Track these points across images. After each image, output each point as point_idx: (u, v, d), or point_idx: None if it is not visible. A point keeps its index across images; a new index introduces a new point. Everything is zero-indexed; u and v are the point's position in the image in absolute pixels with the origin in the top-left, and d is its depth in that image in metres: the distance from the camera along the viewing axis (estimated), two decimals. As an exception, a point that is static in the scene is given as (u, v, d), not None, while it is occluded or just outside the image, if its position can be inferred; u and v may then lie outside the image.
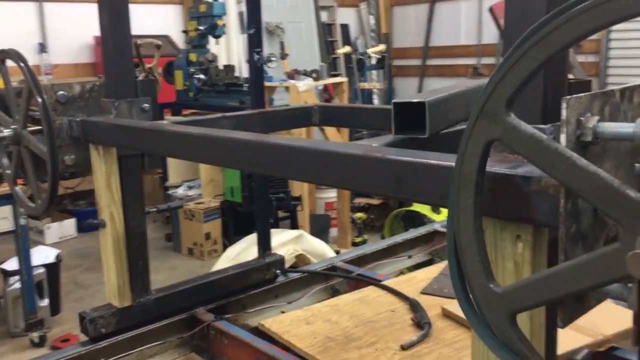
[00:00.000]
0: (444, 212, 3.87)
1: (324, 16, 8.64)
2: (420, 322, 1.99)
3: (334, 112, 2.07)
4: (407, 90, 9.04)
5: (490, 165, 0.86)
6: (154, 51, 2.85)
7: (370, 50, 5.93)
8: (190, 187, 5.42)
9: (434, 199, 1.00)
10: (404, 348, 1.85)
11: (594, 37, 7.73)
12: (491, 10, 6.48)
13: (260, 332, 2.12)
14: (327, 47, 8.44)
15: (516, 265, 0.91)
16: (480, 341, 0.95)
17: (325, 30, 8.51)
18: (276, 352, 1.92)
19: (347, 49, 5.98)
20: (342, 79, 4.89)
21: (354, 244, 4.61)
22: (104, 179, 1.93)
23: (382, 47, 6.09)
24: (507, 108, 0.78)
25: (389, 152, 1.05)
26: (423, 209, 3.84)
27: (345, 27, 8.99)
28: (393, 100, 1.22)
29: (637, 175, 0.75)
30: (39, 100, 1.85)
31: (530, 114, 0.88)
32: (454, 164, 0.91)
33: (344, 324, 2.04)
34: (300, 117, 2.04)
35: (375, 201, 5.30)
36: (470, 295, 0.86)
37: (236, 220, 3.89)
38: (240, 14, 7.48)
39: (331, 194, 4.83)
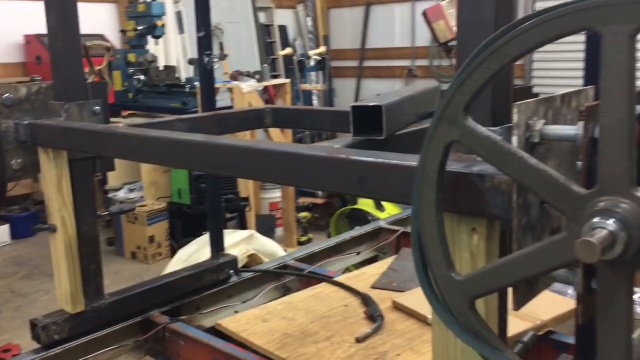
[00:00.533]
0: (389, 210, 3.99)
1: (262, 17, 8.67)
2: (373, 315, 2.07)
3: (285, 114, 2.12)
4: (346, 92, 9.18)
5: (448, 165, 0.94)
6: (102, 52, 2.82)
7: (311, 52, 6.02)
8: (131, 190, 5.34)
9: (395, 197, 1.08)
10: (359, 341, 1.92)
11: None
12: (424, 14, 6.65)
13: (216, 332, 2.15)
14: (267, 49, 8.47)
15: (472, 255, 1.00)
16: (441, 326, 1.04)
17: (264, 31, 8.54)
18: (235, 351, 1.96)
19: (289, 50, 6.04)
20: (285, 80, 4.95)
21: (300, 243, 4.68)
22: (55, 183, 1.92)
23: (323, 49, 6.19)
24: (465, 113, 0.86)
25: (352, 153, 1.11)
26: (368, 207, 3.94)
27: (283, 29, 9.04)
28: (352, 105, 1.29)
29: (578, 172, 0.84)
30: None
31: (483, 118, 0.97)
32: (413, 163, 0.99)
33: (300, 320, 2.09)
34: (253, 119, 2.08)
35: (319, 200, 5.39)
36: (434, 284, 0.94)
37: (184, 223, 3.88)
38: (178, 14, 7.40)
39: (276, 195, 4.88)
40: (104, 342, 2.08)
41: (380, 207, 3.83)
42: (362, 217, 4.05)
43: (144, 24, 5.15)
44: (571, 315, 2.03)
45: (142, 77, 4.93)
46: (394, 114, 1.33)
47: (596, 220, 0.73)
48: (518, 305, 0.91)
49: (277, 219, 4.69)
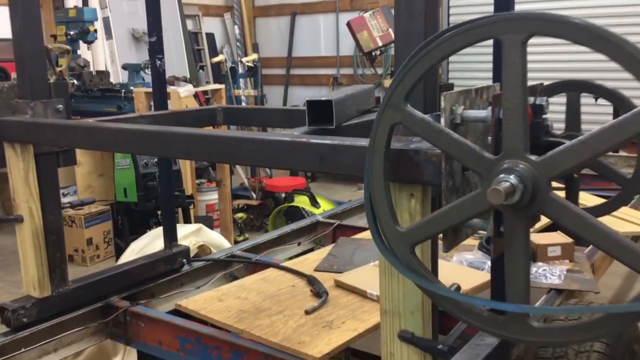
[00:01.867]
0: (323, 206, 4.26)
1: (190, 25, 8.77)
2: (319, 292, 2.31)
3: (234, 113, 2.34)
4: (274, 98, 9.44)
5: (392, 144, 1.20)
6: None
7: (244, 59, 6.22)
8: (64, 195, 5.34)
9: (348, 170, 1.33)
10: (307, 313, 2.16)
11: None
12: (349, 25, 7.02)
13: (174, 315, 2.33)
14: (195, 56, 8.58)
15: (410, 215, 1.26)
16: (387, 273, 1.30)
17: (192, 38, 8.65)
18: (196, 327, 2.15)
19: (221, 57, 6.22)
20: (220, 86, 5.13)
21: (237, 242, 4.85)
22: (22, 175, 2.05)
23: (255, 56, 6.40)
24: (405, 101, 1.13)
25: (312, 138, 1.36)
26: (304, 204, 4.20)
27: (211, 36, 9.18)
28: (307, 99, 1.54)
29: (488, 144, 1.12)
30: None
31: (417, 105, 1.24)
32: (362, 144, 1.25)
33: (252, 299, 2.31)
34: (207, 117, 2.28)
35: (253, 202, 5.59)
36: (382, 236, 1.20)
37: (130, 220, 3.97)
38: (106, 19, 7.41)
39: (212, 196, 5.03)
40: (68, 326, 2.22)
41: (315, 204, 4.09)
42: (298, 214, 4.30)
43: (75, 29, 5.19)
44: (487, 286, 2.35)
45: (75, 82, 4.98)
46: (341, 107, 1.59)
47: (501, 176, 1.01)
48: (447, 248, 1.18)
49: (214, 220, 4.86)
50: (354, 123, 1.65)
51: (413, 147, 1.21)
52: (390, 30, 6.89)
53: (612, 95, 1.46)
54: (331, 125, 1.53)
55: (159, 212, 4.03)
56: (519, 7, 2.49)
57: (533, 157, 1.01)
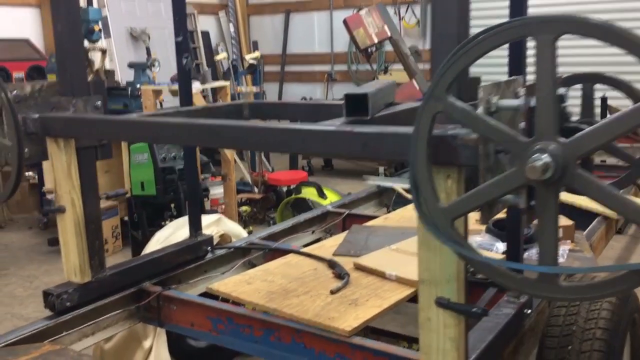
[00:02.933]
0: (330, 197, 4.41)
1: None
2: (341, 273, 2.47)
3: (260, 108, 2.48)
4: (269, 95, 9.57)
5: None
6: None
7: (248, 57, 6.35)
8: (70, 192, 5.44)
9: (389, 156, 1.49)
10: (333, 292, 2.32)
11: (429, 47, 8.80)
12: (345, 22, 7.17)
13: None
14: (191, 53, 8.69)
15: (447, 194, 1.42)
16: (425, 247, 1.46)
17: (187, 36, 8.75)
18: (228, 307, 2.30)
19: (224, 55, 6.34)
20: (225, 83, 5.25)
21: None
22: (65, 168, 2.18)
23: (258, 53, 6.53)
24: (447, 92, 1.28)
25: (355, 127, 1.52)
26: (311, 196, 4.35)
27: (206, 34, 9.30)
28: (345, 93, 1.69)
29: (521, 130, 1.28)
30: (3, 96, 2.06)
31: (457, 96, 1.39)
32: (400, 131, 1.40)
33: (278, 281, 2.46)
34: (234, 111, 2.43)
35: (256, 196, 5.73)
36: (426, 211, 1.36)
37: (147, 213, 4.09)
38: (104, 19, 7.50)
39: (217, 191, 5.17)
40: (105, 310, 2.35)
41: (322, 195, 4.24)
42: (306, 205, 4.45)
43: (80, 28, 5.27)
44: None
45: (82, 80, 5.05)
46: (374, 100, 1.75)
47: (536, 155, 1.17)
48: (484, 222, 1.35)
49: (219, 214, 4.99)
50: (384, 114, 1.80)
51: (451, 133, 1.37)
52: (386, 27, 7.06)
53: (621, 86, 1.63)
54: (367, 116, 1.68)
55: (172, 205, 4.17)
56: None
57: (562, 139, 1.17)
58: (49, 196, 5.46)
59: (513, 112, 1.33)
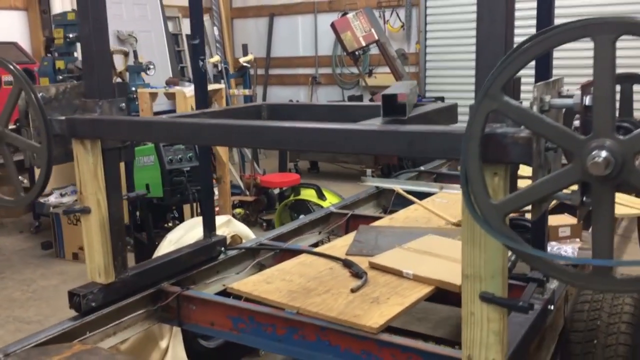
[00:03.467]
0: (329, 199, 4.44)
1: (170, 26, 8.83)
2: (358, 272, 2.50)
3: (278, 109, 2.50)
4: (254, 97, 9.57)
5: (480, 129, 1.40)
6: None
7: (242, 60, 6.34)
8: (62, 195, 5.38)
9: (433, 154, 1.53)
10: (353, 291, 2.34)
11: (414, 51, 8.93)
12: (333, 26, 7.23)
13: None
14: (176, 56, 8.65)
15: (494, 191, 1.46)
16: (469, 244, 1.50)
17: (173, 40, 8.71)
18: (250, 306, 2.31)
19: (217, 58, 6.33)
20: (221, 85, 5.25)
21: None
22: (91, 169, 2.17)
23: (251, 56, 6.53)
24: (502, 91, 1.33)
25: (399, 127, 1.55)
26: (310, 197, 4.36)
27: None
28: (382, 93, 1.73)
29: (574, 127, 1.33)
30: (34, 98, 2.05)
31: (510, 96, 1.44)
32: (446, 130, 1.44)
33: (297, 281, 2.48)
34: (254, 113, 2.45)
35: (249, 198, 5.73)
36: (476, 207, 1.40)
37: (152, 215, 4.06)
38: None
39: (211, 193, 5.16)
40: (126, 311, 2.35)
41: (321, 197, 4.27)
42: (305, 207, 4.46)
43: (73, 31, 5.23)
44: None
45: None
46: (409, 101, 1.78)
47: (595, 152, 1.22)
48: (535, 216, 1.39)
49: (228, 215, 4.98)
50: (417, 114, 1.84)
51: (500, 131, 1.41)
52: (373, 30, 7.14)
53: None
54: (404, 117, 1.72)
55: (173, 207, 4.15)
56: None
57: (620, 137, 1.22)
58: (42, 199, 5.39)
59: (558, 110, 1.38)
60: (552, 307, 2.11)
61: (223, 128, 1.74)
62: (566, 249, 2.74)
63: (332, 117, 2.36)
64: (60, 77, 5.21)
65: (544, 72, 1.91)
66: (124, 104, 2.24)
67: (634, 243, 2.75)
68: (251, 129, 1.70)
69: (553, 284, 2.20)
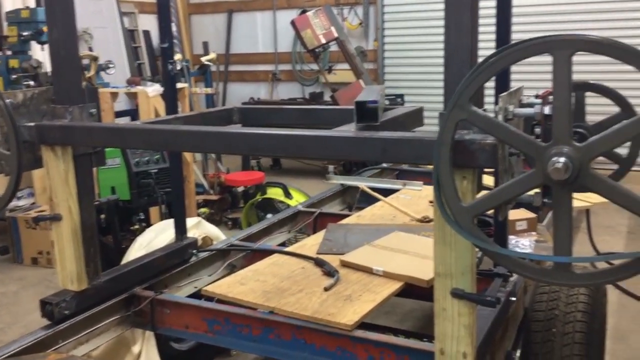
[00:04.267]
0: (296, 197, 4.50)
1: (126, 22, 8.71)
2: (330, 271, 2.58)
3: (249, 113, 2.55)
4: (217, 96, 9.54)
5: (450, 136, 1.48)
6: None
7: (203, 58, 6.32)
8: (18, 198, 5.29)
9: (408, 160, 1.61)
10: (326, 289, 2.42)
11: (372, 48, 9.04)
12: (293, 23, 7.27)
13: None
14: (132, 53, 8.54)
15: (463, 194, 1.55)
16: (441, 243, 1.59)
17: (129, 36, 8.60)
18: (225, 308, 2.36)
19: (179, 56, 6.29)
20: (184, 84, 5.23)
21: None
22: (62, 176, 2.18)
23: (213, 55, 6.51)
24: (470, 102, 1.41)
25: (373, 133, 1.63)
26: (277, 196, 4.41)
27: (147, 34, 9.15)
28: (355, 100, 1.80)
29: (536, 135, 1.43)
30: (2, 105, 2.04)
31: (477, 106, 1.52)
32: (418, 137, 1.52)
33: (270, 281, 2.54)
34: (225, 117, 2.48)
35: (213, 197, 5.74)
36: (447, 210, 1.48)
37: (119, 217, 4.03)
38: (44, 19, 7.26)
39: (175, 193, 5.15)
40: (99, 317, 2.36)
41: (288, 196, 4.32)
42: (272, 206, 4.51)
43: (28, 29, 5.12)
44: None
45: (32, 83, 4.93)
46: (380, 106, 1.86)
47: (554, 158, 1.32)
48: (502, 217, 1.49)
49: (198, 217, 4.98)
50: (388, 119, 1.92)
51: (468, 138, 1.50)
52: (332, 28, 7.22)
53: (610, 94, 1.82)
54: (377, 122, 1.79)
55: (140, 210, 4.14)
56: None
57: (576, 143, 1.32)
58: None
59: (516, 119, 1.48)
60: (513, 299, 2.23)
61: (199, 135, 1.78)
62: (524, 242, 2.88)
63: (303, 120, 2.42)
64: (14, 77, 5.09)
65: (503, 81, 2.01)
66: (94, 110, 2.24)
67: (583, 232, 2.94)
68: (228, 136, 1.75)
69: (513, 277, 2.33)
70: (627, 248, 4.84)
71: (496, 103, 1.55)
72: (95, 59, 2.84)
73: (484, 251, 1.47)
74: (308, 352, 2.21)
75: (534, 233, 2.98)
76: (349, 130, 1.70)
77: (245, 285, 2.50)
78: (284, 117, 2.50)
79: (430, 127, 1.90)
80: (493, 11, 2.20)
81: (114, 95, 4.72)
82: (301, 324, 2.21)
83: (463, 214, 1.46)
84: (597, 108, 2.20)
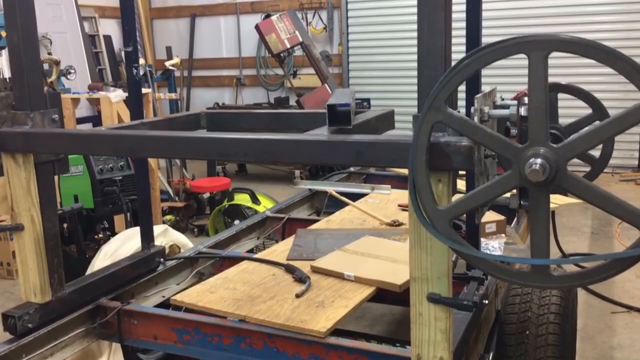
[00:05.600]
0: (264, 202, 4.45)
1: (87, 27, 8.53)
2: (301, 277, 2.54)
3: (217, 117, 2.49)
4: (181, 101, 9.40)
5: (426, 138, 1.46)
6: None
7: (167, 63, 6.21)
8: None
9: (382, 163, 1.59)
10: (298, 296, 2.38)
11: (336, 52, 9.06)
12: (257, 27, 7.23)
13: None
14: (93, 58, 8.36)
15: (438, 197, 1.54)
16: (416, 247, 1.57)
17: (90, 41, 8.42)
18: (195, 317, 2.30)
19: (142, 61, 6.16)
20: (147, 90, 5.13)
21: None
22: (24, 185, 2.09)
23: (177, 59, 6.40)
24: (445, 104, 1.40)
25: (347, 137, 1.60)
26: (244, 202, 4.36)
27: (108, 39, 8.97)
28: (327, 103, 1.77)
29: (512, 136, 1.43)
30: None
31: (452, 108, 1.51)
32: (393, 140, 1.50)
33: (241, 288, 2.49)
34: (193, 122, 2.42)
35: (179, 204, 5.64)
36: (424, 213, 1.47)
37: (82, 226, 3.90)
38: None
39: (140, 200, 5.04)
40: (63, 330, 2.27)
41: (255, 201, 4.27)
42: (239, 212, 4.45)
43: (-19, 32, 4.97)
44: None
45: (-11, 89, 4.76)
46: (352, 109, 1.84)
47: (531, 160, 1.31)
48: (478, 220, 1.48)
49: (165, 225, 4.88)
50: (360, 123, 1.90)
51: (443, 140, 1.49)
52: (297, 33, 7.20)
53: (582, 95, 1.83)
54: (349, 125, 1.77)
55: (102, 220, 4.03)
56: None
57: (553, 144, 1.32)
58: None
59: (491, 121, 1.47)
60: (486, 302, 2.23)
61: (169, 141, 1.73)
62: (493, 244, 2.90)
63: (272, 124, 2.39)
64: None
65: (474, 83, 2.01)
66: (57, 115, 2.16)
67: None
68: (198, 141, 1.70)
69: (487, 280, 2.33)
70: (591, 248, 4.94)
71: (467, 107, 1.55)
72: (57, 63, 2.75)
73: (461, 254, 1.46)
74: (281, 360, 2.17)
75: (503, 235, 3.00)
76: (322, 134, 1.67)
77: (214, 294, 2.45)
78: (253, 121, 2.46)
79: (397, 131, 1.89)
80: (463, 15, 2.21)
81: (75, 102, 4.59)
82: (273, 332, 2.17)
83: (439, 217, 1.45)
84: (566, 111, 2.23)
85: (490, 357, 2.25)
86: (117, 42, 9.30)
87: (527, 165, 1.31)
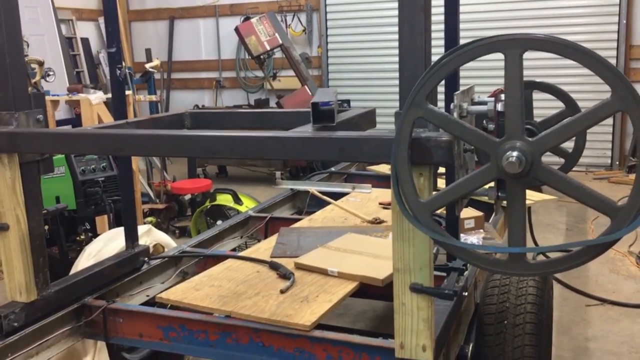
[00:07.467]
0: (246, 203, 4.48)
1: (64, 29, 8.47)
2: (286, 274, 2.58)
3: (201, 117, 2.53)
4: (161, 103, 9.38)
5: (407, 134, 1.52)
6: None
7: (148, 65, 6.21)
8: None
9: (365, 158, 1.64)
10: (283, 292, 2.42)
11: (316, 54, 9.12)
12: (237, 30, 7.25)
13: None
14: (71, 61, 8.31)
15: (420, 190, 1.59)
16: (399, 239, 1.63)
17: (67, 43, 8.36)
18: (180, 314, 2.32)
19: (124, 64, 6.15)
20: (128, 92, 5.12)
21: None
22: (9, 184, 2.11)
23: (157, 62, 6.40)
24: (426, 100, 1.46)
25: (331, 133, 1.65)
26: (227, 202, 4.38)
27: (85, 41, 8.92)
28: (311, 102, 1.82)
29: (489, 131, 1.49)
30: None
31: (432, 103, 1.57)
32: (375, 136, 1.56)
33: (225, 286, 2.52)
34: (177, 122, 2.45)
35: (159, 206, 5.64)
36: (406, 206, 1.52)
37: (64, 227, 3.88)
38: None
39: (121, 202, 5.03)
40: (49, 329, 2.28)
41: (238, 201, 4.30)
42: (221, 212, 4.47)
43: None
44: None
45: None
46: (335, 107, 1.89)
47: (508, 153, 1.38)
48: (458, 212, 1.54)
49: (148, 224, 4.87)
50: (343, 120, 1.95)
51: (424, 135, 1.55)
52: (277, 35, 7.24)
53: (555, 91, 1.91)
54: (333, 123, 1.82)
55: (84, 221, 4.02)
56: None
57: (528, 138, 1.38)
58: None
59: (469, 116, 1.53)
60: (465, 293, 2.30)
61: (156, 138, 1.76)
62: (472, 240, 2.97)
63: (256, 124, 2.43)
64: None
65: (453, 82, 2.07)
66: (41, 116, 2.18)
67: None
68: (185, 139, 1.73)
69: (467, 272, 2.40)
70: (566, 244, 5.05)
71: (446, 104, 1.61)
72: (41, 63, 2.76)
73: (443, 245, 1.51)
74: (266, 354, 2.21)
75: (481, 231, 3.08)
76: (306, 130, 1.72)
77: (200, 291, 2.48)
78: (237, 120, 2.50)
79: (377, 131, 1.94)
80: (441, 17, 2.27)
81: (55, 104, 4.58)
82: (259, 327, 2.20)
83: (421, 209, 1.50)
84: (541, 111, 2.31)
85: (470, 348, 2.31)
86: (95, 45, 9.25)
87: (504, 158, 1.37)
